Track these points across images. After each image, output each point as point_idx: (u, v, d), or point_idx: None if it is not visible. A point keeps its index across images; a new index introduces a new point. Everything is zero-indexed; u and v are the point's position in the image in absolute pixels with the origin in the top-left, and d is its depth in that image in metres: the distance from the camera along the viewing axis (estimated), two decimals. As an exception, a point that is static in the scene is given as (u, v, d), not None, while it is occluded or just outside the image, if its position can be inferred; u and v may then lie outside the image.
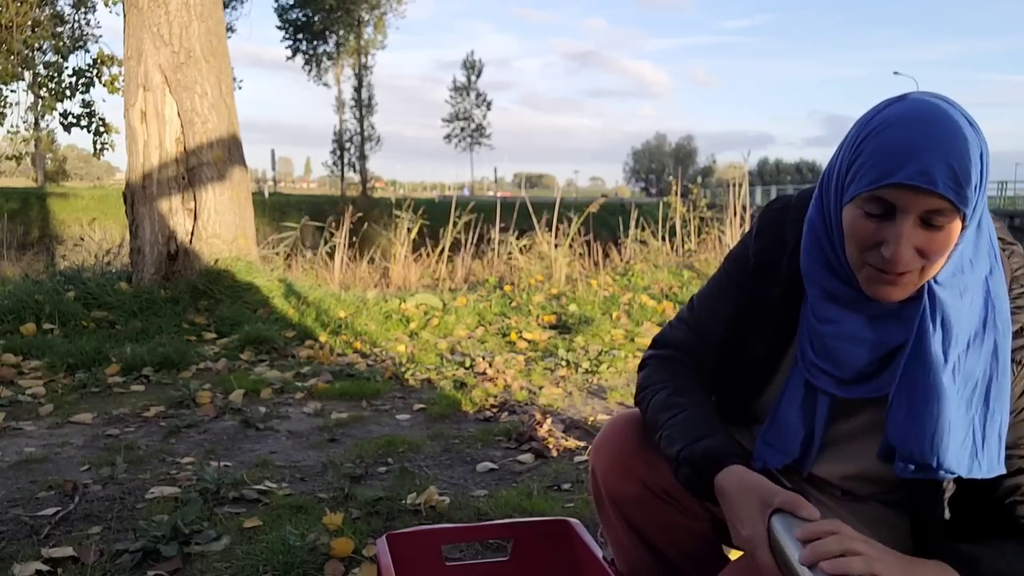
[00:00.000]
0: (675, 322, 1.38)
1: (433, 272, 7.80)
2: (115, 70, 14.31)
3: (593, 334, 4.95)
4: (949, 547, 1.04)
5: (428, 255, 8.04)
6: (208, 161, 5.59)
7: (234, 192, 5.72)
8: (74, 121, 16.19)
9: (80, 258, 8.13)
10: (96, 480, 2.63)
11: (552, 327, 5.35)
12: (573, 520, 1.66)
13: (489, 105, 64.07)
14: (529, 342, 4.89)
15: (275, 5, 43.68)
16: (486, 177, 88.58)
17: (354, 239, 8.20)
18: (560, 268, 6.73)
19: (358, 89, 47.15)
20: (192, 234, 5.57)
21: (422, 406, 3.57)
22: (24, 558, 2.05)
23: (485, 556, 2.06)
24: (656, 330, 4.98)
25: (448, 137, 63.95)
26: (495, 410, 3.51)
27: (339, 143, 48.15)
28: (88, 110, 16.05)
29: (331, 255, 7.96)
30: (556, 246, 7.11)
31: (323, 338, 4.85)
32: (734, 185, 8.05)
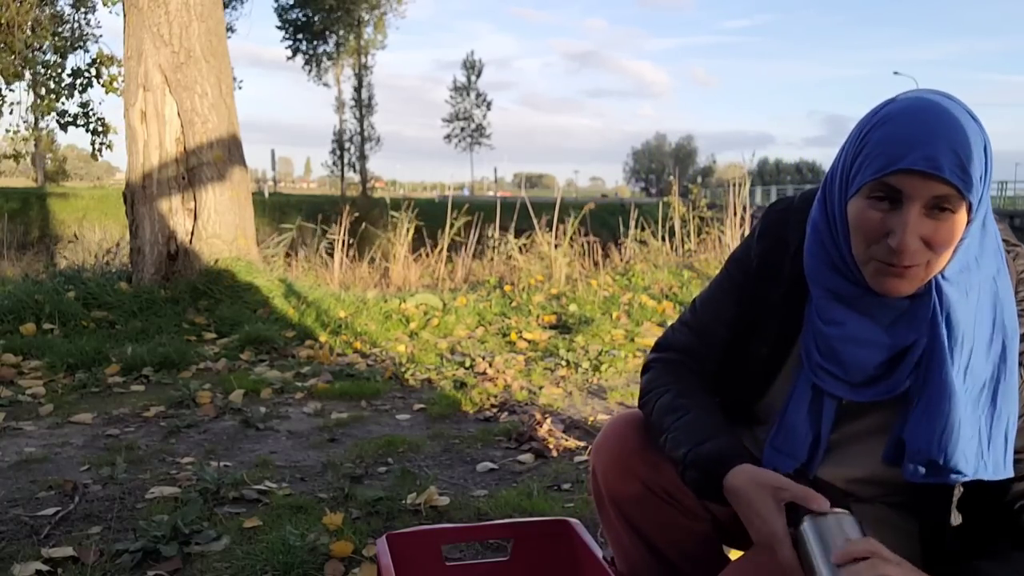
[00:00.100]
0: (677, 325, 1.38)
1: (433, 272, 7.81)
2: (114, 70, 14.30)
3: (593, 334, 4.95)
4: (966, 567, 1.04)
5: (427, 255, 8.04)
6: (208, 161, 5.59)
7: (234, 192, 5.72)
8: (70, 120, 16.18)
9: (79, 258, 8.13)
10: (96, 480, 2.63)
11: (552, 327, 5.35)
12: (573, 520, 1.66)
13: (489, 105, 64.11)
14: (529, 342, 4.89)
15: (275, 5, 43.73)
16: (486, 177, 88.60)
17: (353, 239, 8.20)
18: (560, 268, 6.73)
19: (358, 89, 47.19)
20: (192, 234, 5.57)
21: (422, 406, 3.57)
22: (24, 558, 2.05)
23: (485, 556, 2.06)
24: (656, 330, 4.99)
25: (448, 137, 63.99)
26: (495, 410, 3.51)
27: (339, 143, 48.17)
28: (85, 110, 16.05)
29: (331, 255, 7.97)
30: (556, 246, 7.11)
31: (323, 338, 4.85)
32: (734, 185, 8.05)
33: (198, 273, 5.45)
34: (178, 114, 5.55)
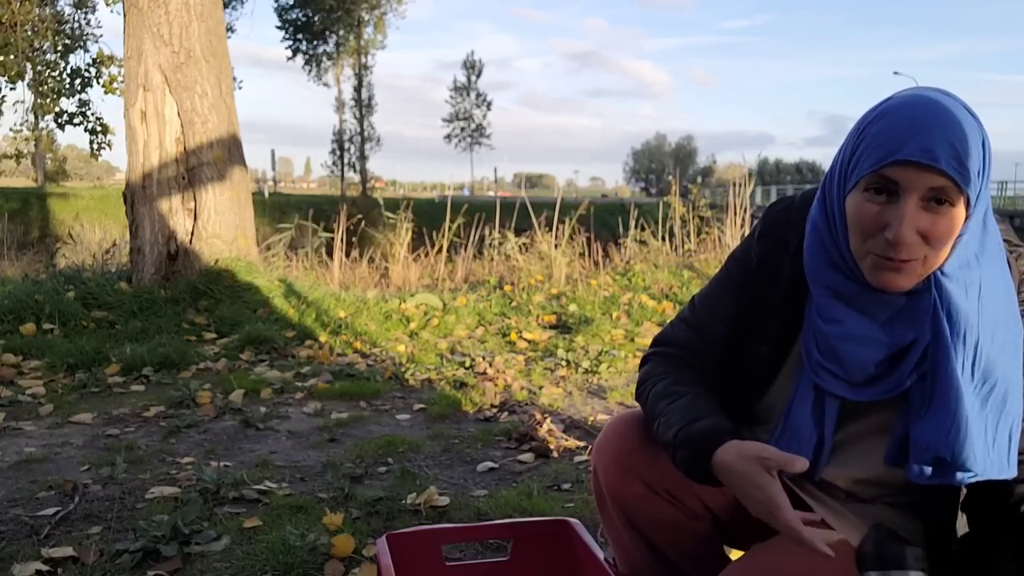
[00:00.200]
0: (676, 321, 1.38)
1: (433, 272, 7.81)
2: (114, 70, 14.33)
3: (593, 334, 4.95)
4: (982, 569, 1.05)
5: (427, 255, 8.04)
6: (208, 161, 5.59)
7: (234, 192, 5.72)
8: (68, 120, 16.20)
9: (79, 258, 8.13)
10: (96, 480, 2.63)
11: (552, 327, 5.35)
12: (573, 520, 1.66)
13: (489, 105, 64.04)
14: (529, 342, 4.89)
15: (275, 5, 43.68)
16: (486, 177, 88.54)
17: (353, 239, 8.20)
18: (560, 268, 6.74)
19: (358, 89, 47.13)
20: (192, 234, 5.57)
21: (422, 406, 3.57)
22: (24, 558, 2.05)
23: (485, 556, 2.06)
24: (656, 330, 4.98)
25: (448, 137, 63.95)
26: (495, 410, 3.50)
27: (339, 143, 48.12)
28: (83, 109, 16.07)
29: (330, 255, 7.97)
30: (556, 246, 7.12)
31: (323, 338, 4.85)
32: (734, 184, 8.05)
33: (198, 273, 5.45)
34: (178, 114, 5.54)
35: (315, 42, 44.88)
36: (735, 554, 1.41)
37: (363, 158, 48.07)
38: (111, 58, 14.73)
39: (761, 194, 39.91)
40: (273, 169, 64.85)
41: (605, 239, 8.39)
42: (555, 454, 2.93)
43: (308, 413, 3.48)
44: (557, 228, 7.45)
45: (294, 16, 44.20)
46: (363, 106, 47.70)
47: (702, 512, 1.33)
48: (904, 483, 1.10)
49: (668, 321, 1.42)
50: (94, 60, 15.28)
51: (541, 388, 3.87)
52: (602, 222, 9.23)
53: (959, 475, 1.05)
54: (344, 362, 4.38)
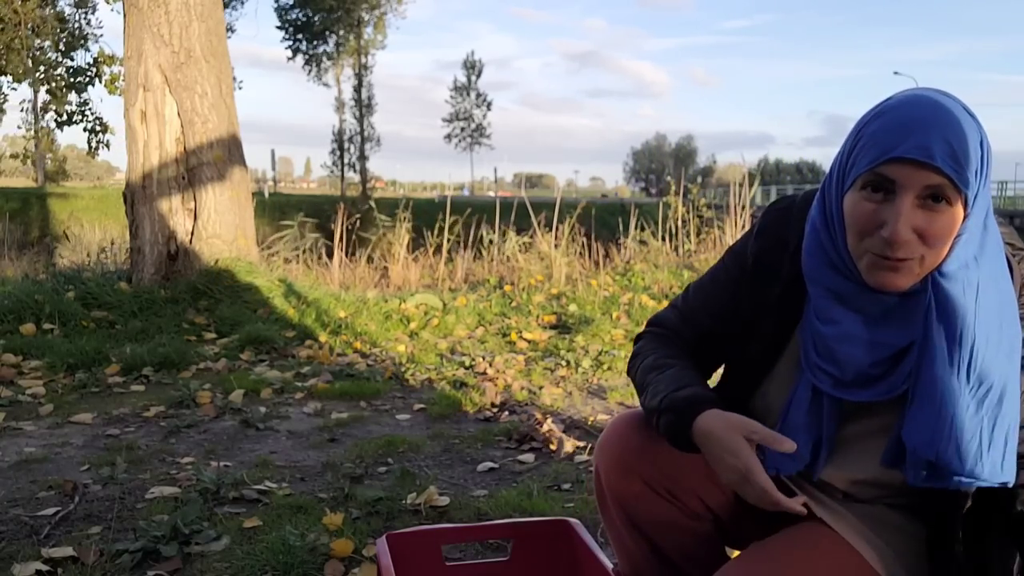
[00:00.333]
0: (669, 306, 1.41)
1: (433, 272, 7.81)
2: (115, 69, 14.35)
3: (593, 334, 4.95)
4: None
5: (427, 255, 8.04)
6: (208, 161, 5.59)
7: (234, 192, 5.72)
8: (66, 119, 16.21)
9: (79, 258, 8.13)
10: (96, 480, 2.63)
11: (552, 327, 5.35)
12: (573, 520, 1.66)
13: (489, 105, 64.06)
14: (529, 342, 4.89)
15: (275, 5, 43.69)
16: (486, 177, 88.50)
17: (352, 238, 8.20)
18: (560, 268, 6.74)
19: (358, 89, 47.13)
20: (192, 234, 5.57)
21: (422, 406, 3.57)
22: (24, 558, 2.05)
23: (485, 556, 2.06)
24: (656, 330, 4.99)
25: (448, 137, 63.96)
26: (495, 410, 3.50)
27: (339, 143, 48.12)
28: (83, 108, 16.08)
29: (330, 255, 7.97)
30: (556, 246, 7.12)
31: (323, 338, 4.85)
32: (735, 184, 8.06)
33: (198, 273, 5.45)
34: (178, 114, 5.55)
35: (315, 42, 44.88)
36: (736, 555, 1.41)
37: (363, 158, 48.07)
38: (112, 57, 14.73)
39: (761, 194, 39.92)
40: (273, 169, 64.88)
41: (605, 239, 8.39)
42: (555, 454, 2.93)
43: (308, 413, 3.48)
44: (557, 228, 7.46)
45: (294, 16, 44.23)
46: (363, 106, 47.71)
47: (703, 512, 1.33)
48: (903, 484, 1.10)
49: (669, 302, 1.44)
50: (95, 59, 15.29)
51: (541, 388, 3.87)
52: (602, 222, 9.22)
53: (954, 479, 1.04)
54: (344, 362, 4.38)
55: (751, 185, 8.29)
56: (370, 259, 8.43)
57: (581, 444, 3.01)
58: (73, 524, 2.30)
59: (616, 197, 56.78)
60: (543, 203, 8.51)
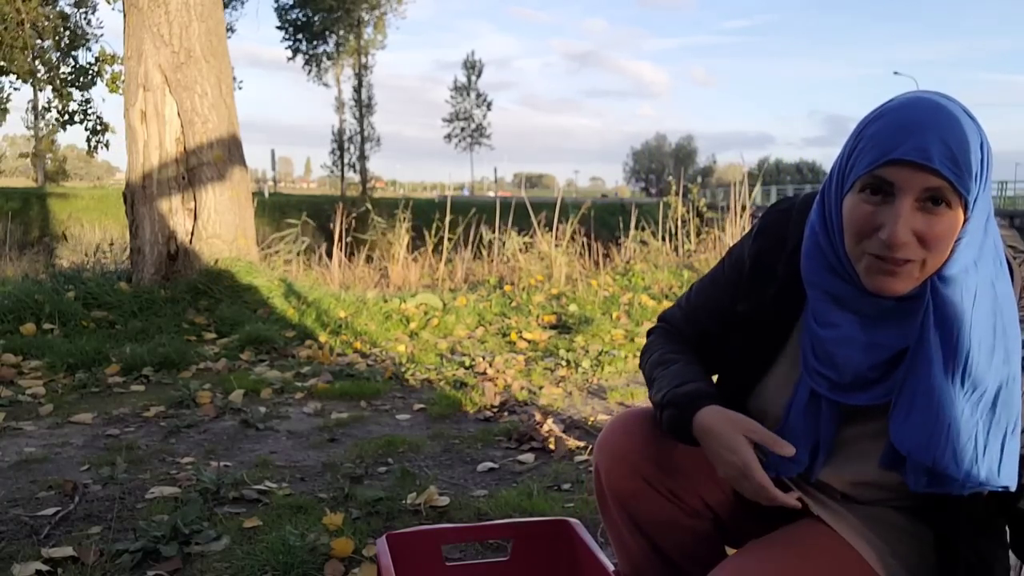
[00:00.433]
0: (676, 304, 1.45)
1: (433, 272, 7.81)
2: (117, 68, 14.38)
3: (593, 334, 4.96)
4: None
5: (426, 255, 8.05)
6: (208, 161, 5.60)
7: (234, 192, 5.72)
8: (68, 119, 16.22)
9: (79, 258, 8.13)
10: (96, 480, 2.63)
11: (552, 327, 5.35)
12: (573, 520, 1.66)
13: (489, 105, 64.04)
14: (529, 342, 4.89)
15: (275, 5, 43.69)
16: (486, 177, 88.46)
17: (349, 239, 8.21)
18: (560, 268, 6.74)
19: (358, 89, 47.13)
20: (192, 234, 5.57)
21: (422, 406, 3.58)
22: (24, 558, 2.05)
23: (485, 556, 2.06)
24: (656, 330, 4.99)
25: (448, 137, 63.95)
26: (495, 410, 3.51)
27: (339, 143, 48.12)
28: (86, 107, 16.09)
29: (329, 255, 7.98)
30: (556, 246, 7.12)
31: (323, 338, 4.85)
32: (735, 184, 8.06)
33: (198, 273, 5.46)
34: (178, 114, 5.55)
35: (315, 42, 44.87)
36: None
37: (363, 158, 48.07)
38: (114, 56, 14.73)
39: (761, 194, 39.89)
40: (273, 169, 64.88)
41: (605, 239, 8.40)
42: (555, 454, 2.93)
43: (308, 413, 3.48)
44: (557, 228, 7.46)
45: (294, 16, 44.22)
46: (363, 106, 47.70)
47: (703, 510, 1.33)
48: (903, 487, 1.10)
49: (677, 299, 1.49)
50: (97, 58, 15.30)
51: (541, 388, 3.87)
52: (602, 222, 9.24)
53: (954, 485, 1.04)
54: (344, 362, 4.38)
55: (752, 186, 8.28)
56: (370, 259, 8.43)
57: (581, 444, 3.02)
58: (73, 524, 2.30)
59: (616, 197, 56.78)
60: (543, 203, 8.52)
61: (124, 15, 5.65)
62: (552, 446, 2.98)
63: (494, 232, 8.13)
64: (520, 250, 7.45)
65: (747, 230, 1.35)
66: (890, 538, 1.17)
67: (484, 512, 2.37)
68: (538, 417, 3.29)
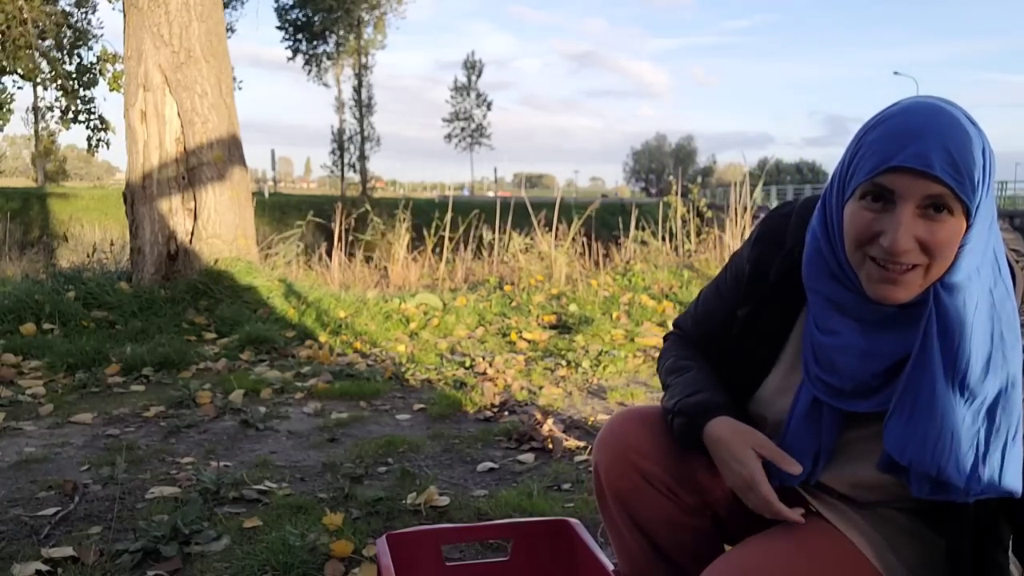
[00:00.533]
0: (686, 311, 1.47)
1: (433, 272, 7.81)
2: (118, 67, 14.39)
3: (593, 334, 4.95)
4: None
5: (426, 255, 8.05)
6: (208, 161, 5.60)
7: (234, 192, 5.72)
8: (72, 117, 16.22)
9: (79, 258, 8.13)
10: (96, 480, 2.63)
11: (552, 327, 5.35)
12: (573, 520, 1.66)
13: (489, 105, 64.07)
14: (529, 342, 4.89)
15: (275, 5, 43.69)
16: (486, 177, 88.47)
17: (350, 239, 8.21)
18: (560, 268, 6.73)
19: (358, 89, 47.13)
20: (192, 234, 5.57)
21: (422, 406, 3.58)
22: (24, 558, 2.05)
23: (485, 556, 2.06)
24: (656, 330, 4.99)
25: (448, 137, 63.97)
26: (495, 410, 3.51)
27: (339, 143, 48.12)
28: (87, 107, 16.10)
29: (329, 255, 7.98)
30: (556, 246, 7.11)
31: (323, 338, 4.85)
32: (736, 184, 8.05)
33: (198, 273, 5.46)
34: (178, 114, 5.55)
35: (315, 42, 44.87)
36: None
37: (363, 158, 48.07)
38: (115, 56, 14.74)
39: (760, 194, 39.87)
40: (273, 169, 64.83)
41: (605, 239, 8.39)
42: (555, 454, 2.93)
43: (308, 413, 3.48)
44: (557, 228, 7.45)
45: (294, 16, 44.22)
46: (363, 106, 47.71)
47: (702, 508, 1.33)
48: (904, 489, 1.10)
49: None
50: (99, 57, 15.31)
51: (541, 388, 3.87)
52: (602, 222, 9.22)
53: (959, 492, 1.04)
54: (344, 362, 4.38)
55: (753, 187, 8.27)
56: (369, 259, 8.43)
57: (581, 444, 3.02)
58: (73, 524, 2.30)
59: (616, 197, 56.75)
60: (543, 203, 8.51)
61: (124, 15, 5.65)
62: (552, 446, 2.98)
63: (494, 232, 8.13)
64: (521, 251, 7.44)
65: (748, 231, 1.36)
66: (889, 535, 1.17)
67: (484, 512, 2.37)
68: (538, 417, 3.29)
